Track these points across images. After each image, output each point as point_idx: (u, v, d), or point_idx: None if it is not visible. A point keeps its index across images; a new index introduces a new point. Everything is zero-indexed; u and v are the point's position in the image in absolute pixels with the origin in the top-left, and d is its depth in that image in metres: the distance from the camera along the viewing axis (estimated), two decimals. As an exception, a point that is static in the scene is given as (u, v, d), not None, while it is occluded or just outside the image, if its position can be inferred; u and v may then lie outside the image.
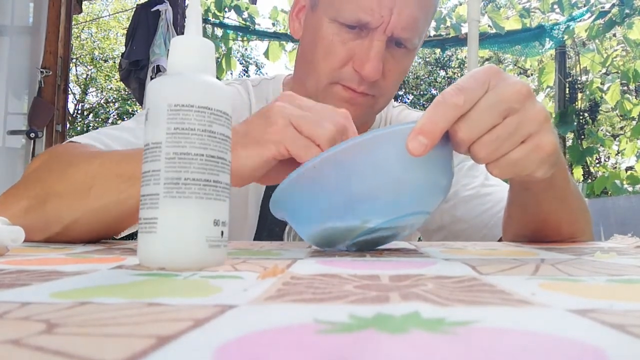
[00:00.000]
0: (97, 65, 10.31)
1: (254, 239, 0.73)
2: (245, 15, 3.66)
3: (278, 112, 0.44)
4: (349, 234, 0.41)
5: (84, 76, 10.37)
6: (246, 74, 12.91)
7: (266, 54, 3.81)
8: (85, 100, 10.53)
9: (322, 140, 0.43)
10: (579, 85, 4.33)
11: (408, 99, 11.57)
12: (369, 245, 0.44)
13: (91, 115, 10.45)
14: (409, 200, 0.39)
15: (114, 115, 10.33)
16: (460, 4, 4.45)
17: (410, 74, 11.25)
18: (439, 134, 0.37)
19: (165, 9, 2.64)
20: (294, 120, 0.44)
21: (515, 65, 6.30)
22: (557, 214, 0.55)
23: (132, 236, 0.63)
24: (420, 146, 0.36)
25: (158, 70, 2.56)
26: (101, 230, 0.52)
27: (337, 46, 0.63)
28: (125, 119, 9.41)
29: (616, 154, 4.97)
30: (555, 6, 3.63)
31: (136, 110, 9.27)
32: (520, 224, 0.59)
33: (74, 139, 0.63)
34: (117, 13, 9.52)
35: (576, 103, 4.21)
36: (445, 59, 11.32)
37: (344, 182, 0.38)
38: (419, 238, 0.87)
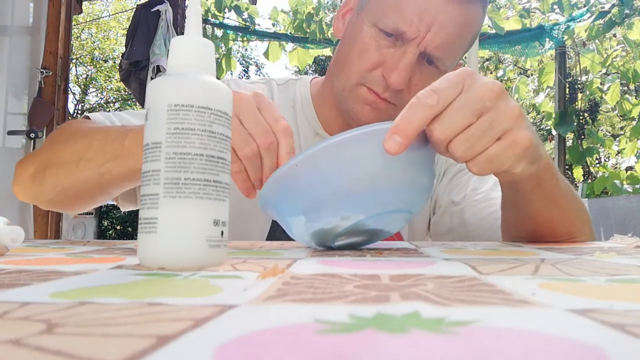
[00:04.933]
0: (97, 66, 10.31)
1: (267, 239, 0.73)
2: (245, 15, 3.65)
3: None
4: (330, 232, 0.42)
5: (84, 76, 10.35)
6: (246, 74, 12.91)
7: (266, 54, 3.81)
8: (85, 100, 10.52)
9: (242, 158, 0.45)
10: (579, 86, 4.33)
11: (408, 99, 11.56)
12: (355, 244, 0.45)
13: (91, 115, 10.43)
14: (387, 198, 0.40)
15: (114, 116, 10.31)
16: (460, 4, 4.43)
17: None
18: (413, 132, 0.38)
19: (165, 9, 2.64)
20: None
21: (515, 65, 6.29)
22: (549, 213, 0.56)
23: (132, 236, 0.65)
24: (395, 145, 0.38)
25: (158, 70, 2.56)
26: (88, 198, 0.61)
27: (372, 49, 0.65)
28: (125, 119, 9.36)
29: (616, 154, 4.97)
30: (555, 6, 3.63)
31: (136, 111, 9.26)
32: (515, 226, 0.60)
33: (89, 114, 0.70)
34: (117, 13, 9.52)
35: (576, 103, 4.20)
36: (445, 59, 11.30)
37: (325, 180, 0.39)
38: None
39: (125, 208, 0.73)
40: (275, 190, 0.41)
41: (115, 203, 0.73)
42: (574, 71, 4.28)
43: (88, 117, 0.69)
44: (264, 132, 0.45)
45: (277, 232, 0.73)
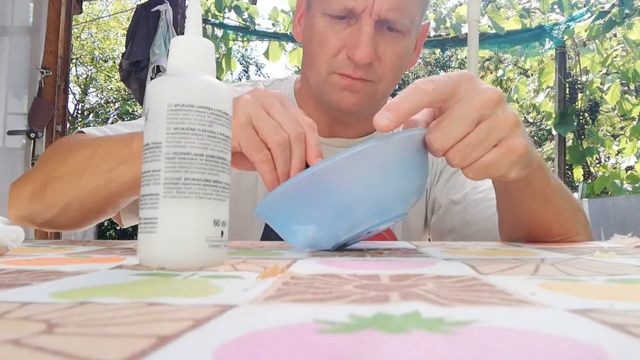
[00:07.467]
0: (97, 66, 10.30)
1: (262, 239, 0.73)
2: (245, 15, 3.65)
3: (242, 107, 0.47)
4: (338, 238, 0.43)
5: (84, 76, 10.35)
6: (246, 74, 12.92)
7: (266, 54, 3.81)
8: (85, 100, 10.51)
9: (272, 145, 0.45)
10: (579, 85, 4.33)
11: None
12: (348, 243, 0.46)
13: (91, 115, 10.43)
14: (395, 205, 0.42)
15: (114, 116, 10.32)
16: (460, 4, 4.44)
17: (411, 74, 11.24)
18: (405, 111, 0.40)
19: (165, 9, 2.64)
20: (254, 120, 0.46)
21: (515, 65, 6.29)
22: (542, 213, 0.56)
23: (132, 236, 0.64)
24: (386, 119, 0.40)
25: (158, 70, 2.56)
26: (94, 211, 0.58)
27: (330, 36, 0.65)
28: (126, 119, 9.41)
29: (616, 154, 4.97)
30: (555, 6, 3.63)
31: (136, 111, 9.28)
32: (510, 225, 0.60)
33: (83, 129, 0.68)
34: (117, 13, 9.52)
35: (576, 103, 4.20)
36: (445, 59, 11.32)
37: (342, 190, 0.40)
38: (429, 240, 0.87)
39: (127, 223, 0.72)
40: (285, 198, 0.41)
41: (116, 221, 0.71)
42: (574, 71, 4.28)
43: (82, 132, 0.67)
44: (294, 122, 0.46)
45: (271, 235, 0.73)
